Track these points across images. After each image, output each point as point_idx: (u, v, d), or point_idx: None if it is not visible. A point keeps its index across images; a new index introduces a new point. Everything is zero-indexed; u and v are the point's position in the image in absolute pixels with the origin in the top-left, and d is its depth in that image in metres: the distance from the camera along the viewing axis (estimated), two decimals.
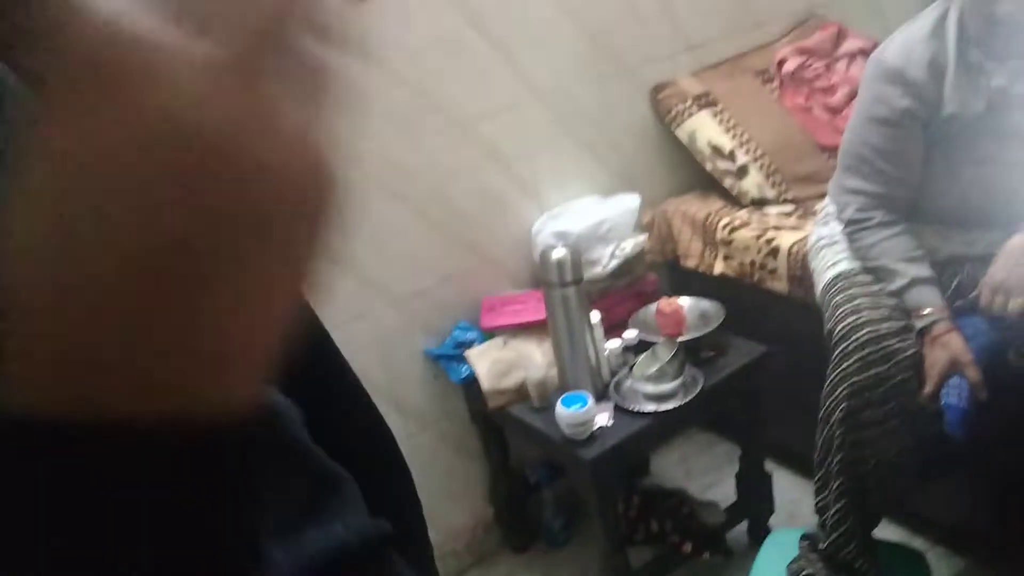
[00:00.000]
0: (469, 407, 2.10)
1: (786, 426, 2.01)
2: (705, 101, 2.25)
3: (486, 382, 1.90)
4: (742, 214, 2.15)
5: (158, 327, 0.20)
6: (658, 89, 2.28)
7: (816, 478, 1.67)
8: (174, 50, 0.19)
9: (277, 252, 0.22)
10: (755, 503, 2.04)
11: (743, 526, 2.06)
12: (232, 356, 0.22)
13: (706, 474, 2.35)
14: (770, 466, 2.07)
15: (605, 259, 2.05)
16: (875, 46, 1.61)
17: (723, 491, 2.16)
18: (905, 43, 1.53)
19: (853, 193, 1.62)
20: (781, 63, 2.33)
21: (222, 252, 0.20)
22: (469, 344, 2.02)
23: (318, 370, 0.45)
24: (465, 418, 2.14)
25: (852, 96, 2.30)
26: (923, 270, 1.54)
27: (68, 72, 0.19)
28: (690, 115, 2.24)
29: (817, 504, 1.68)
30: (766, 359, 1.91)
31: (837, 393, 1.56)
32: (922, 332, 1.51)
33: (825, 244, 1.74)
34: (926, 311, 1.50)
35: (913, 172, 1.55)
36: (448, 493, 2.17)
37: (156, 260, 0.20)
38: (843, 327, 1.56)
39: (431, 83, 1.91)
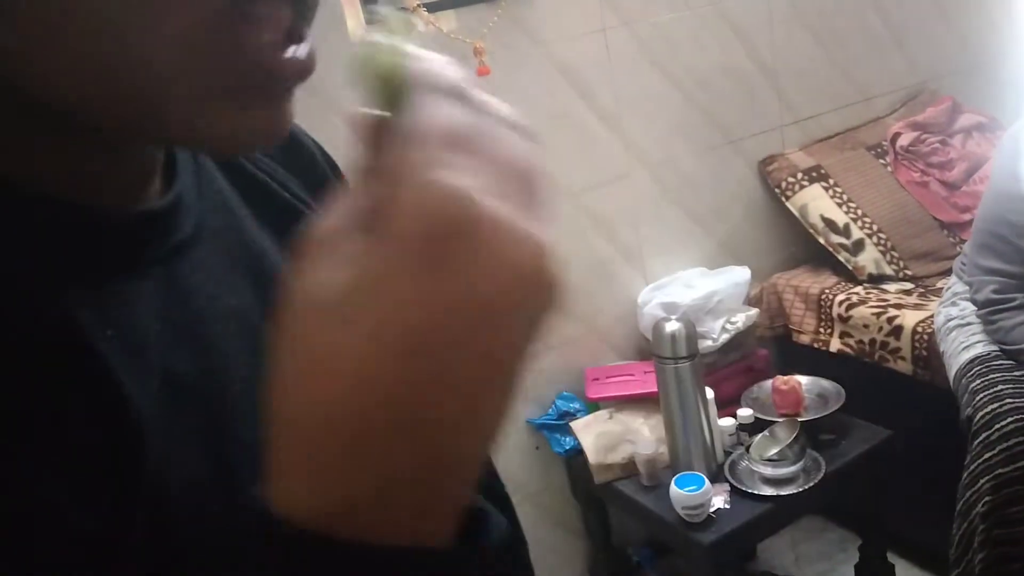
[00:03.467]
0: (571, 480, 2.05)
1: (912, 515, 1.89)
2: (816, 175, 2.21)
3: (593, 456, 1.86)
4: (859, 290, 2.08)
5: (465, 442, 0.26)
6: (767, 162, 2.25)
7: None
8: (511, 223, 0.25)
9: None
10: None
11: None
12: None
13: (818, 561, 2.22)
14: (892, 558, 1.94)
15: (715, 333, 2.00)
16: (993, 121, 1.56)
17: None
18: None
19: (990, 273, 1.54)
20: (895, 138, 2.28)
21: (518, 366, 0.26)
22: (572, 415, 1.99)
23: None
24: (566, 492, 2.08)
25: (971, 171, 2.23)
26: None
27: (425, 228, 0.23)
28: (801, 188, 2.20)
29: None
30: (890, 444, 1.81)
31: (979, 486, 1.45)
32: None
33: (956, 325, 1.66)
34: None
35: None
36: (547, 569, 2.10)
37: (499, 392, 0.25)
38: (984, 415, 1.46)
39: (544, 155, 1.93)
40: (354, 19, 1.66)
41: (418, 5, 1.66)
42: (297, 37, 0.29)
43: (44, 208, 0.29)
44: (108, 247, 0.31)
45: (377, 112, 0.27)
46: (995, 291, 1.53)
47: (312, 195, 0.46)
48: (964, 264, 1.66)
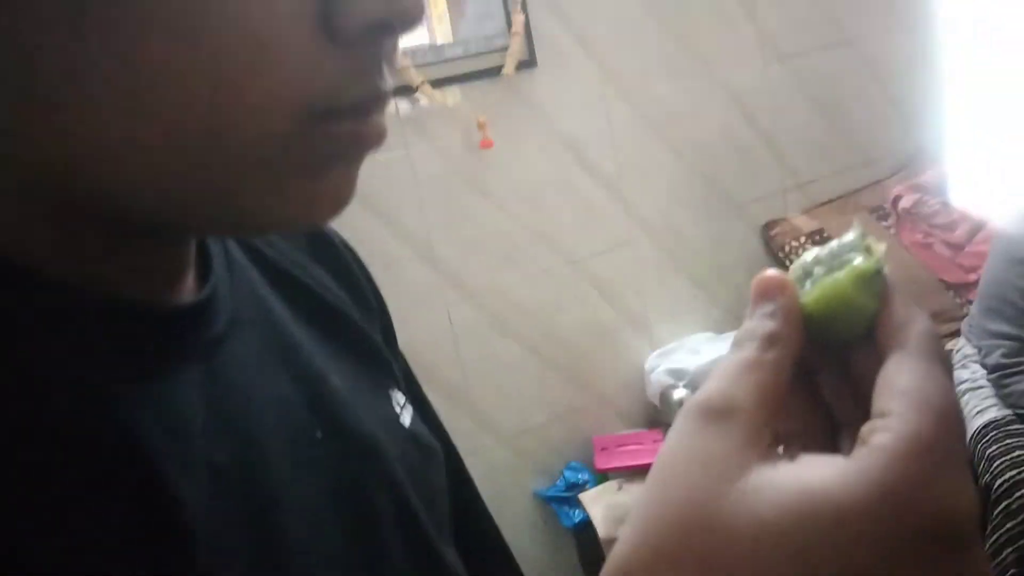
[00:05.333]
0: (580, 555, 2.00)
1: None
2: (820, 238, 2.22)
3: (603, 529, 1.81)
4: None
5: None
6: (770, 226, 2.27)
7: None
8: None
9: None
10: None
11: None
12: None
13: None
14: None
15: None
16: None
17: None
18: None
19: (998, 337, 1.53)
20: (896, 200, 2.30)
21: None
22: (581, 486, 1.95)
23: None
24: (576, 567, 2.03)
25: (974, 232, 2.24)
26: None
27: (928, 524, 0.23)
28: (805, 251, 2.19)
29: None
30: None
31: (1003, 557, 1.41)
32: None
33: (968, 388, 1.64)
34: None
35: None
36: None
37: None
38: (1003, 482, 1.43)
39: (545, 222, 1.95)
40: None
41: (423, 81, 1.70)
42: (378, 106, 0.29)
43: (85, 305, 0.29)
44: (148, 344, 0.31)
45: (816, 301, 0.28)
46: (1004, 355, 1.52)
47: (345, 291, 0.46)
48: (972, 326, 1.65)
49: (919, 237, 2.25)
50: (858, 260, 0.28)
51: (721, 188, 2.21)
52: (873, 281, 0.28)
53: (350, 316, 0.45)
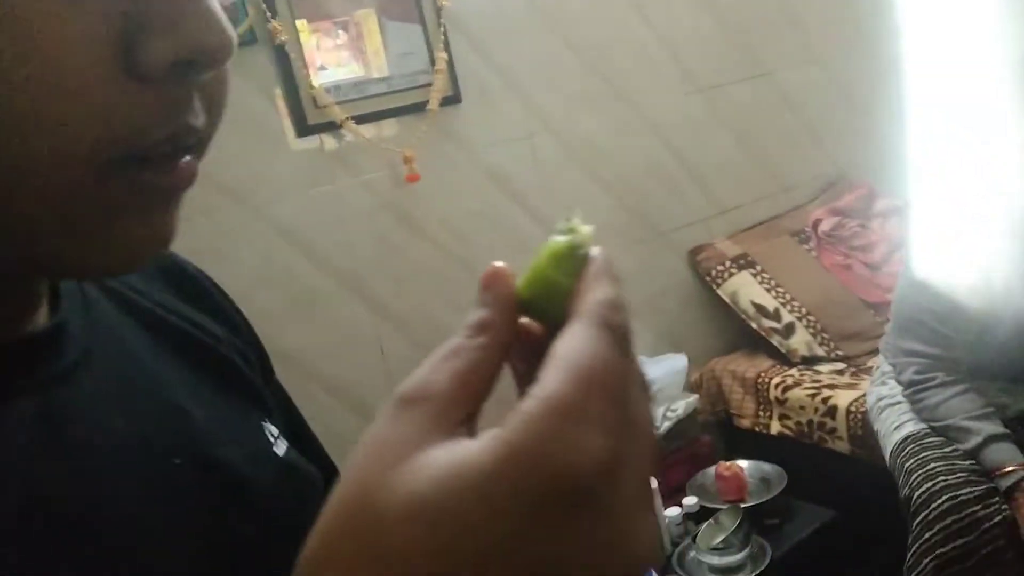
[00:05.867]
0: None
1: None
2: (744, 262, 2.29)
3: None
4: (794, 372, 2.12)
5: None
6: (696, 251, 2.33)
7: None
8: (639, 512, 0.24)
9: None
10: None
11: None
12: None
13: None
14: None
15: (656, 421, 2.00)
16: (908, 205, 1.65)
17: None
18: (955, 202, 1.56)
19: (911, 355, 1.59)
20: (816, 223, 2.39)
21: None
22: None
23: None
24: None
25: (891, 252, 2.33)
26: (996, 427, 1.49)
27: (551, 486, 0.22)
28: (730, 275, 2.27)
29: None
30: (835, 524, 1.81)
31: (923, 566, 1.46)
32: (1009, 491, 1.43)
33: (887, 404, 1.70)
34: (1009, 468, 1.43)
35: (969, 333, 1.53)
36: None
37: None
38: (920, 494, 1.48)
39: (473, 253, 1.96)
40: (291, 132, 1.71)
41: (347, 118, 1.71)
42: (189, 148, 0.30)
43: None
44: None
45: (526, 285, 0.28)
46: (916, 372, 1.58)
47: (208, 317, 0.47)
48: (887, 344, 1.72)
49: (839, 259, 2.34)
50: (557, 239, 0.29)
51: (647, 217, 2.26)
52: (569, 259, 0.29)
53: (219, 351, 0.46)
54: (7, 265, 0.30)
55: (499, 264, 0.29)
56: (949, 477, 1.47)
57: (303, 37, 1.71)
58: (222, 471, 0.39)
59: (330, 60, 1.78)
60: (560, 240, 0.29)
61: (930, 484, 1.48)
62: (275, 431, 0.45)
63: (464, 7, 1.88)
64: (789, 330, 2.18)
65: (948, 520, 1.43)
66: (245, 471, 0.40)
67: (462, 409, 0.25)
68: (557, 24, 2.05)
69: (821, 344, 2.17)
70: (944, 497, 1.45)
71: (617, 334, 0.25)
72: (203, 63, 0.28)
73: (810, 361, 2.15)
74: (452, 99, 1.88)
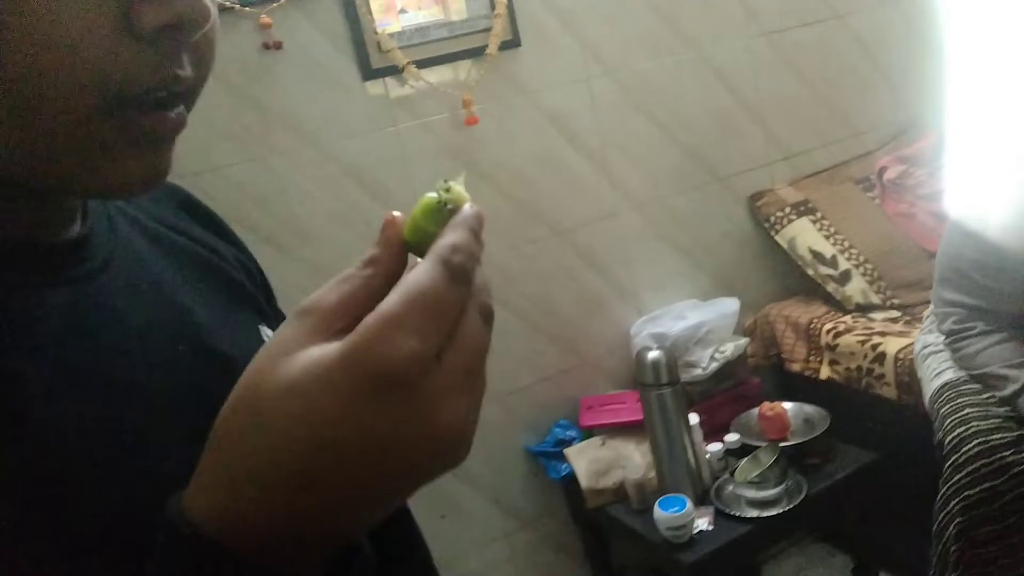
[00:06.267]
0: (570, 506, 2.12)
1: (901, 536, 1.91)
2: (804, 208, 2.28)
3: (584, 481, 1.93)
4: (847, 319, 2.13)
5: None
6: (755, 197, 2.33)
7: None
8: (450, 397, 0.33)
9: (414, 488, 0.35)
10: None
11: None
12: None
13: None
14: None
15: (704, 361, 2.07)
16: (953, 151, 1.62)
17: None
18: (998, 163, 1.54)
19: (951, 305, 1.60)
20: (882, 171, 2.35)
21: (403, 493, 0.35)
22: (569, 442, 2.06)
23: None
24: (566, 517, 2.15)
25: None
26: None
27: (377, 370, 0.32)
28: (789, 221, 2.27)
29: None
30: (876, 467, 1.85)
31: (950, 508, 1.50)
32: None
33: (931, 352, 1.71)
34: None
35: (1014, 284, 1.52)
36: None
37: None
38: (952, 438, 1.51)
39: (532, 195, 2.04)
40: (357, 76, 1.80)
41: (408, 63, 1.80)
42: (179, 96, 0.39)
43: None
44: (23, 267, 0.42)
45: (408, 232, 0.37)
46: (956, 321, 1.59)
47: (220, 240, 0.58)
48: (933, 294, 1.72)
49: (904, 207, 2.30)
50: (430, 195, 0.37)
51: (707, 161, 2.28)
52: (437, 212, 0.37)
53: (220, 265, 0.56)
54: (39, 183, 0.40)
55: (395, 214, 0.37)
56: (982, 423, 1.49)
57: None
58: (218, 357, 0.49)
59: (411, 3, 1.86)
60: (431, 196, 0.37)
61: (962, 428, 1.50)
62: (270, 333, 0.54)
63: None
64: (845, 277, 2.18)
65: (977, 464, 1.46)
66: (238, 359, 0.49)
67: (340, 321, 0.34)
68: None
69: (877, 292, 2.17)
70: (975, 441, 1.47)
71: (454, 270, 0.34)
72: (188, 28, 0.37)
73: (864, 308, 2.15)
74: (511, 43, 1.94)
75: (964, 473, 1.47)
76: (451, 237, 0.35)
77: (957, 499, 1.48)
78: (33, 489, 0.37)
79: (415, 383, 0.32)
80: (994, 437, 1.46)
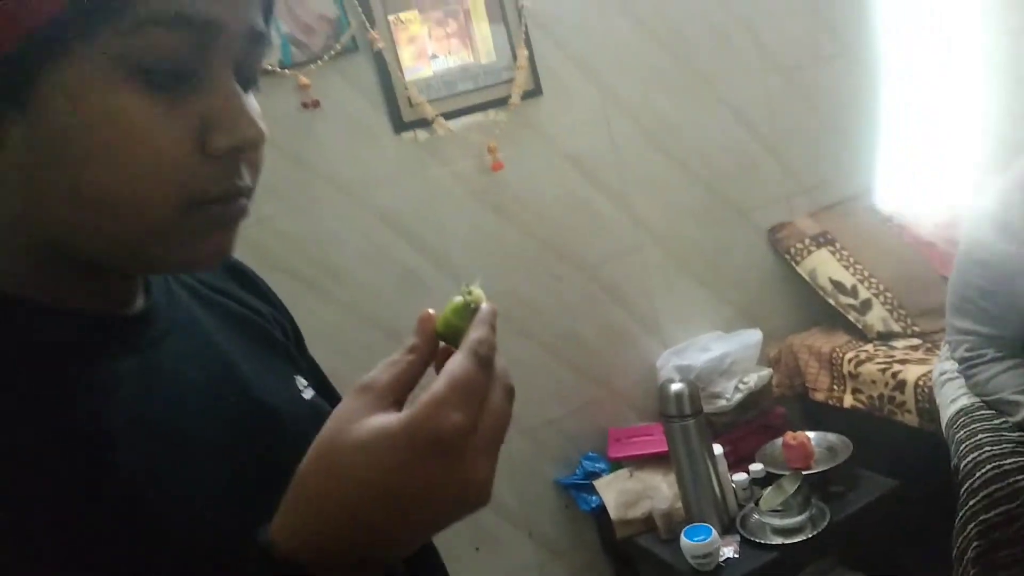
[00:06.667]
0: (601, 537, 2.17)
1: (928, 563, 1.93)
2: (824, 239, 2.34)
3: (614, 512, 1.99)
4: (868, 348, 2.18)
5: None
6: (775, 230, 2.40)
7: None
8: (481, 465, 0.44)
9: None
10: None
11: None
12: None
13: None
14: None
15: (729, 392, 2.12)
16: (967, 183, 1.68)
17: None
18: (1004, 189, 1.59)
19: (962, 333, 1.65)
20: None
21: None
22: (598, 475, 2.13)
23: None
24: (597, 549, 2.21)
25: None
26: None
27: (433, 438, 0.42)
28: (809, 252, 2.33)
29: None
30: (897, 494, 1.88)
31: (967, 532, 1.53)
32: None
33: (947, 379, 1.75)
34: None
35: (1020, 312, 1.57)
36: None
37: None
38: (967, 463, 1.55)
39: (557, 234, 2.13)
40: (389, 129, 1.93)
41: (437, 115, 1.92)
42: (241, 193, 0.49)
43: (56, 316, 0.50)
44: (97, 342, 0.51)
45: (440, 325, 0.48)
46: (968, 349, 1.63)
47: (257, 300, 0.68)
48: (947, 322, 1.76)
49: (923, 235, 2.35)
50: (457, 299, 0.49)
51: (726, 195, 2.35)
52: (464, 310, 0.48)
53: (260, 324, 0.66)
54: (127, 266, 0.50)
55: (429, 311, 0.49)
56: (995, 448, 1.52)
57: (413, 29, 1.92)
58: (263, 408, 0.58)
59: (441, 49, 1.99)
60: (458, 300, 0.49)
61: (976, 454, 1.54)
62: (304, 382, 0.65)
63: (543, 6, 2.04)
64: (866, 306, 2.23)
65: (991, 488, 1.49)
66: (280, 409, 0.59)
67: (393, 395, 0.45)
68: (631, 6, 2.17)
69: (898, 320, 2.21)
70: (989, 466, 1.51)
71: (482, 359, 0.45)
72: (247, 148, 0.48)
73: (886, 337, 2.20)
74: (533, 92, 2.05)
75: (979, 498, 1.51)
76: (477, 333, 0.46)
77: (974, 523, 1.51)
78: (119, 523, 0.46)
79: (459, 449, 0.42)
80: (1007, 462, 1.50)
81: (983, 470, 1.51)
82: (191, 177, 0.46)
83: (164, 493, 0.48)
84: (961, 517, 1.55)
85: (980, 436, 1.56)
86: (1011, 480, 1.48)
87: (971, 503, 1.52)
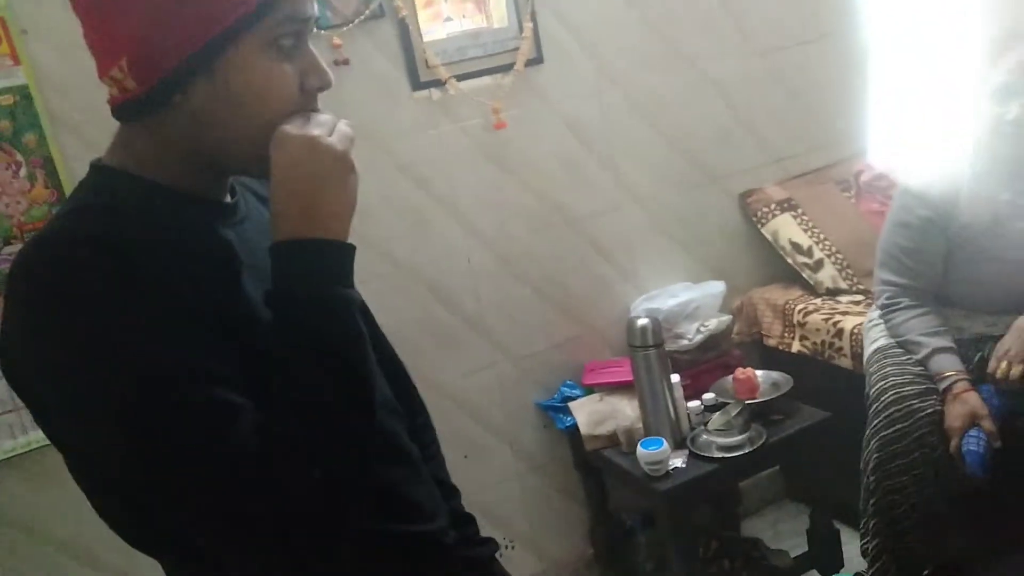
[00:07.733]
0: (573, 454, 2.50)
1: (855, 490, 2.26)
2: (787, 205, 2.64)
3: (584, 428, 2.32)
4: (817, 301, 2.48)
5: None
6: (746, 195, 2.69)
7: (860, 524, 1.93)
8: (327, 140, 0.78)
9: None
10: (823, 556, 2.28)
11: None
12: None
13: (791, 537, 2.58)
14: (841, 526, 2.31)
15: (691, 333, 2.43)
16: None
17: (802, 550, 2.40)
18: (927, 162, 1.89)
19: (885, 284, 1.96)
20: (858, 174, 2.69)
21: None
22: (574, 399, 2.45)
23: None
24: (569, 464, 2.53)
25: None
26: (944, 341, 1.84)
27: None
28: (774, 216, 2.63)
29: (861, 547, 1.93)
30: (827, 423, 2.20)
31: (870, 446, 1.85)
32: (944, 392, 1.79)
33: (872, 324, 2.06)
34: (947, 374, 1.79)
35: (933, 267, 1.87)
36: (554, 530, 2.55)
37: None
38: (875, 391, 1.87)
39: (549, 188, 2.43)
40: (407, 86, 2.21)
41: (449, 77, 2.21)
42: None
43: (197, 199, 0.83)
44: (217, 215, 0.84)
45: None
46: (888, 297, 1.94)
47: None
48: (874, 275, 2.07)
49: (875, 206, 2.64)
50: None
51: (703, 163, 2.64)
52: None
53: None
54: (236, 168, 0.84)
55: None
56: (898, 378, 1.84)
57: None
58: None
59: (456, 12, 2.27)
60: None
61: (882, 383, 1.86)
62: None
63: None
64: (818, 265, 2.53)
65: (891, 409, 1.81)
66: None
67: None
68: None
69: (845, 279, 2.51)
70: (891, 392, 1.83)
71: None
72: (325, 87, 0.80)
73: (833, 292, 2.50)
74: (535, 60, 2.33)
75: (881, 418, 1.83)
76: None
77: (875, 438, 1.84)
78: (238, 322, 0.78)
79: (324, 144, 0.76)
80: (906, 389, 1.81)
81: (886, 395, 1.83)
82: (296, 105, 0.79)
83: (263, 318, 0.79)
84: (867, 436, 1.87)
85: (887, 369, 1.88)
86: (906, 404, 1.80)
87: (875, 422, 1.84)
